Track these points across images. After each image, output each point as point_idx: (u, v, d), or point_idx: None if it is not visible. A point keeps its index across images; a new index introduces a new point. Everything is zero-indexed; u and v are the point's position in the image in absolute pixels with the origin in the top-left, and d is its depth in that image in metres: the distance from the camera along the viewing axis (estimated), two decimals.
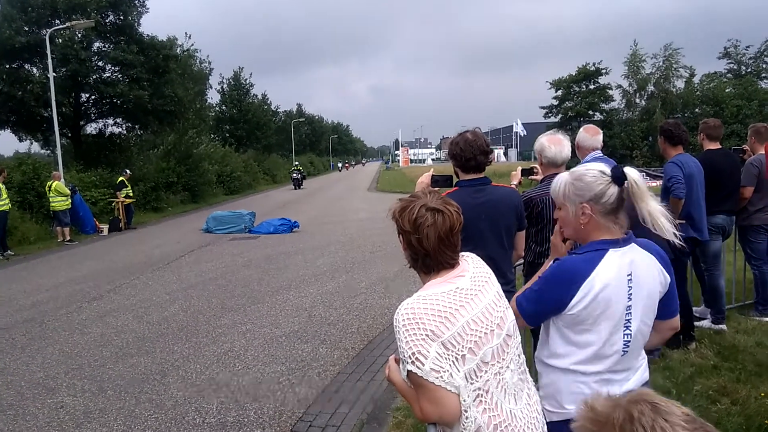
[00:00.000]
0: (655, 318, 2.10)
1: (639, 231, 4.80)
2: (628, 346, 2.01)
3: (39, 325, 7.38)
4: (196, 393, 5.03)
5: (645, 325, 2.05)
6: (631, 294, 1.98)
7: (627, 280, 1.98)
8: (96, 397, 5.03)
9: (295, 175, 38.00)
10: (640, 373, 2.12)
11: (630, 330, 2.00)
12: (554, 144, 3.57)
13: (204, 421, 4.48)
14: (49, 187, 15.81)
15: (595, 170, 2.03)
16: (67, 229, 15.77)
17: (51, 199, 15.66)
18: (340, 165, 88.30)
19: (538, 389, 2.09)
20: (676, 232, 2.01)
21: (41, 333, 7.01)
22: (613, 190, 1.99)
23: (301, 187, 37.20)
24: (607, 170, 2.02)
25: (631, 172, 1.98)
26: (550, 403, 2.10)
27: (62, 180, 16.61)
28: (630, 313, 1.99)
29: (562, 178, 2.11)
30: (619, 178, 1.98)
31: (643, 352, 2.16)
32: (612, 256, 1.97)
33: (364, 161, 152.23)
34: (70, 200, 15.95)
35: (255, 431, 4.30)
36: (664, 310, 2.11)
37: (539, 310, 2.08)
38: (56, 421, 4.59)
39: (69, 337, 6.81)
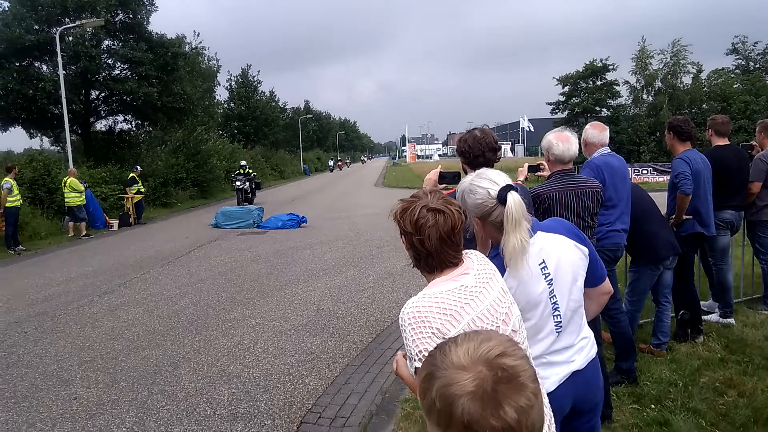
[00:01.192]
0: (585, 287, 2.19)
1: (656, 227, 4.80)
2: (560, 327, 2.11)
3: (51, 318, 7.47)
4: (208, 384, 5.10)
5: (574, 302, 2.14)
6: (549, 279, 2.07)
7: (541, 269, 2.06)
8: (109, 389, 5.10)
9: (238, 183, 22.87)
10: (585, 352, 2.19)
11: (559, 311, 2.09)
12: (562, 141, 3.58)
13: (215, 413, 4.54)
14: (65, 183, 16.02)
15: (484, 190, 2.03)
16: (82, 224, 15.98)
17: (65, 195, 15.86)
18: (331, 164, 69.53)
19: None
20: (509, 271, 2.01)
21: (53, 326, 7.11)
22: (500, 209, 2.00)
23: (251, 202, 23.11)
24: (496, 188, 2.01)
25: (511, 198, 1.95)
26: None
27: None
28: (554, 296, 2.08)
29: (462, 186, 2.15)
30: (502, 201, 1.98)
31: (586, 328, 2.23)
32: None
33: (364, 158, 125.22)
34: (84, 196, 16.13)
35: (265, 422, 4.36)
36: (590, 278, 2.20)
37: None
38: (70, 413, 4.67)
39: (81, 330, 6.90)
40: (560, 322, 2.10)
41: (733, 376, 4.28)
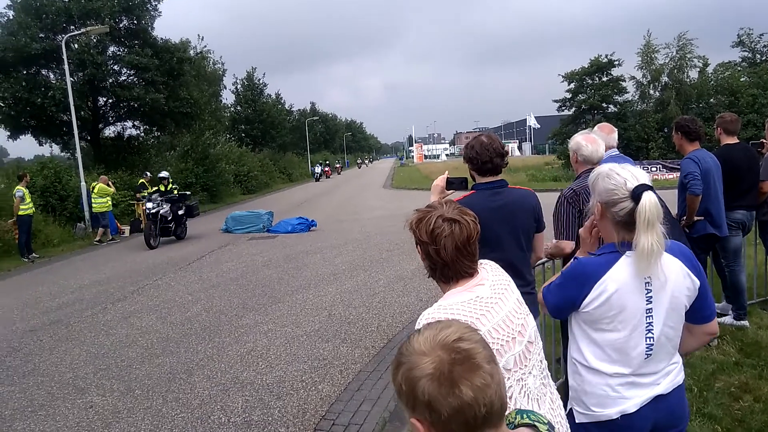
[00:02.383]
0: (689, 322, 2.09)
1: (676, 231, 4.79)
2: (651, 350, 2.01)
3: (65, 326, 7.54)
4: (221, 392, 5.13)
5: (671, 329, 2.03)
6: (650, 297, 1.98)
7: (645, 283, 1.97)
8: (124, 397, 5.15)
9: (150, 205, 14.68)
10: (671, 377, 2.10)
11: (652, 333, 2.00)
12: (591, 143, 3.68)
13: (230, 420, 4.57)
14: (93, 188, 16.48)
15: (622, 179, 1.97)
16: (100, 230, 16.31)
17: (93, 201, 16.31)
18: (318, 170, 50.73)
19: (567, 390, 2.12)
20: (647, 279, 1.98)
21: (68, 334, 7.17)
22: (627, 204, 1.94)
23: (177, 236, 15.64)
24: (634, 183, 1.95)
25: (647, 198, 1.89)
26: (578, 405, 2.13)
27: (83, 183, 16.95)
28: (651, 316, 1.99)
29: (600, 169, 2.09)
30: (635, 197, 1.92)
31: (677, 355, 2.14)
32: (627, 259, 1.97)
33: (366, 160, 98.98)
34: (110, 202, 16.58)
35: (279, 429, 4.39)
36: (695, 314, 2.08)
37: (558, 304, 2.14)
38: (86, 421, 4.71)
39: (95, 338, 6.96)
40: (652, 344, 2.01)
41: (749, 381, 4.24)
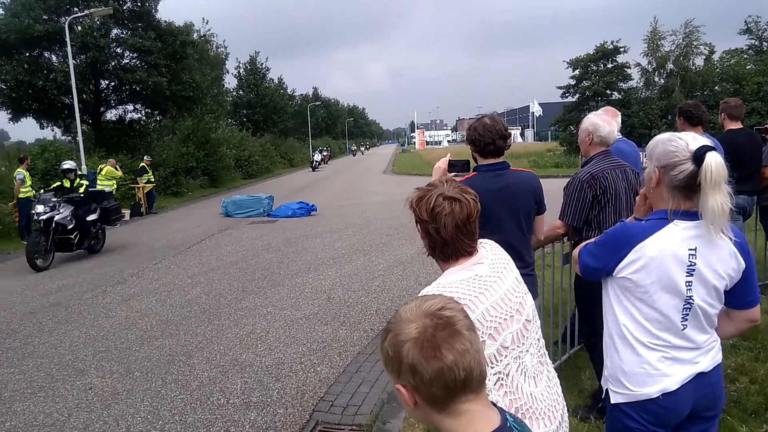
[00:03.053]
0: (729, 306, 2.04)
1: None
2: (686, 320, 1.97)
3: (65, 309, 7.56)
4: (221, 374, 5.15)
5: (709, 306, 1.98)
6: (692, 269, 1.93)
7: (689, 254, 1.92)
8: (124, 379, 5.17)
9: (40, 209, 10.52)
10: (712, 354, 2.05)
11: (690, 305, 1.95)
12: (607, 123, 3.66)
13: (228, 401, 4.59)
14: (100, 170, 16.60)
15: (684, 141, 1.92)
16: None
17: (99, 183, 16.23)
18: (317, 157, 45.11)
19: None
20: (730, 236, 1.94)
21: (67, 317, 7.19)
22: (688, 167, 1.88)
23: (91, 249, 11.60)
24: (696, 145, 1.90)
25: (712, 158, 1.83)
26: (614, 384, 2.08)
27: (85, 166, 16.95)
28: (690, 288, 1.94)
29: (661, 135, 2.04)
30: (697, 158, 1.86)
31: (714, 333, 2.08)
32: (675, 228, 1.93)
33: (362, 147, 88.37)
34: (115, 185, 16.69)
35: (278, 411, 4.40)
36: (736, 298, 2.02)
37: (590, 264, 2.09)
38: (85, 402, 4.73)
39: (94, 320, 6.97)
40: (687, 315, 1.96)
41: (745, 363, 4.26)
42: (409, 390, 1.12)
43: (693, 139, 1.92)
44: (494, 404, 1.19)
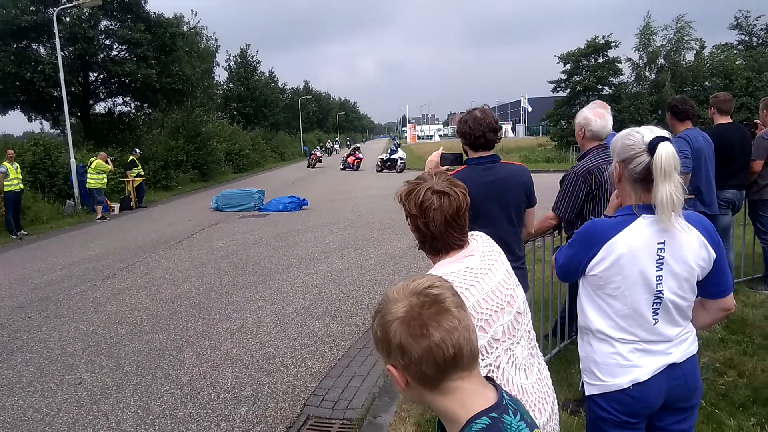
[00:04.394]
0: (702, 296, 2.05)
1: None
2: (657, 314, 1.98)
3: (54, 303, 7.50)
4: (211, 368, 5.13)
5: (680, 299, 1.99)
6: (661, 264, 1.94)
7: (657, 248, 1.93)
8: (113, 373, 5.14)
9: None
10: (685, 346, 2.05)
11: (660, 299, 1.97)
12: (599, 117, 3.63)
13: (219, 396, 4.58)
14: (90, 164, 16.45)
15: (640, 135, 1.96)
16: (99, 207, 16.26)
17: (89, 177, 16.27)
18: (318, 153, 39.33)
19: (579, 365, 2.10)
20: (684, 226, 1.96)
21: (56, 311, 7.14)
22: (644, 158, 1.92)
23: None
24: (651, 137, 1.93)
25: (663, 148, 1.87)
26: (588, 376, 2.10)
27: (72, 160, 16.79)
28: (661, 282, 1.95)
29: (622, 132, 2.07)
30: (651, 149, 1.90)
31: (689, 325, 2.09)
32: (642, 222, 1.93)
33: (334, 143, 66.31)
34: (105, 179, 16.58)
35: (269, 405, 4.40)
36: (709, 288, 2.04)
37: (565, 265, 2.11)
38: (75, 397, 4.70)
39: (84, 315, 6.93)
40: (657, 309, 1.97)
41: (733, 357, 4.30)
42: (400, 370, 1.11)
43: (650, 132, 1.95)
44: (492, 382, 1.17)
